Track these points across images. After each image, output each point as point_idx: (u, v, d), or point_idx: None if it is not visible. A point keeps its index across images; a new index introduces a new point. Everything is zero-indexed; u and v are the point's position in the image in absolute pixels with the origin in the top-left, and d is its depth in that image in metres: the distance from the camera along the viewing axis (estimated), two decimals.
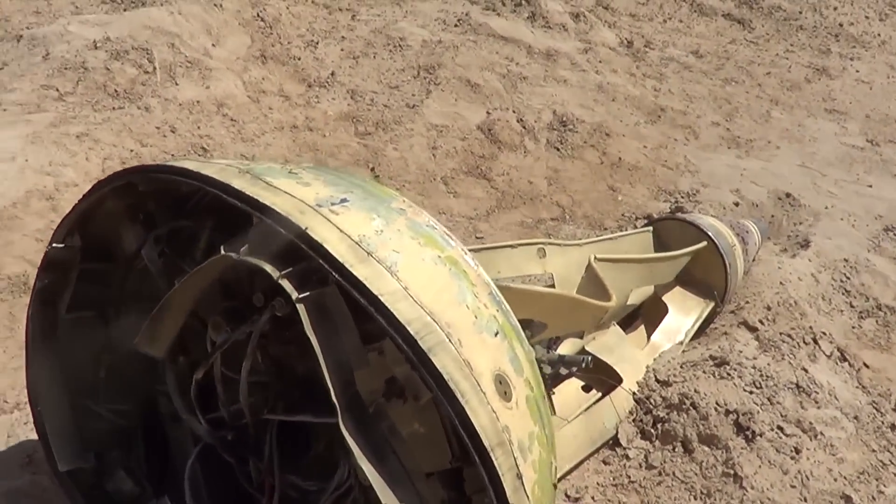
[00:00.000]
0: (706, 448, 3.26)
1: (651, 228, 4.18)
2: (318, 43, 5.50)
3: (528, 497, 1.96)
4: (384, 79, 5.27)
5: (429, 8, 6.14)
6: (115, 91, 4.74)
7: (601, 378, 3.54)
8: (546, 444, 2.10)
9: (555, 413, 3.26)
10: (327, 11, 5.90)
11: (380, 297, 1.90)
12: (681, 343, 3.84)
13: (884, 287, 4.51)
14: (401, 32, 5.67)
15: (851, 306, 4.38)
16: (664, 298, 3.96)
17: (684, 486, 3.16)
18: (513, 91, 5.33)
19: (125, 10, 5.29)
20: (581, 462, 3.31)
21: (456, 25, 5.93)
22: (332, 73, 5.23)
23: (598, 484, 3.25)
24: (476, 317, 2.05)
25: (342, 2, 6.15)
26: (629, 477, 3.25)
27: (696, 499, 3.13)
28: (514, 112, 5.16)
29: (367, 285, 1.92)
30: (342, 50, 5.46)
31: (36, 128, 4.08)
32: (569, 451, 3.23)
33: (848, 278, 4.54)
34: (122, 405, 2.70)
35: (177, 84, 4.85)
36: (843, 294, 4.44)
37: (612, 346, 3.62)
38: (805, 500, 3.06)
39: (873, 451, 3.40)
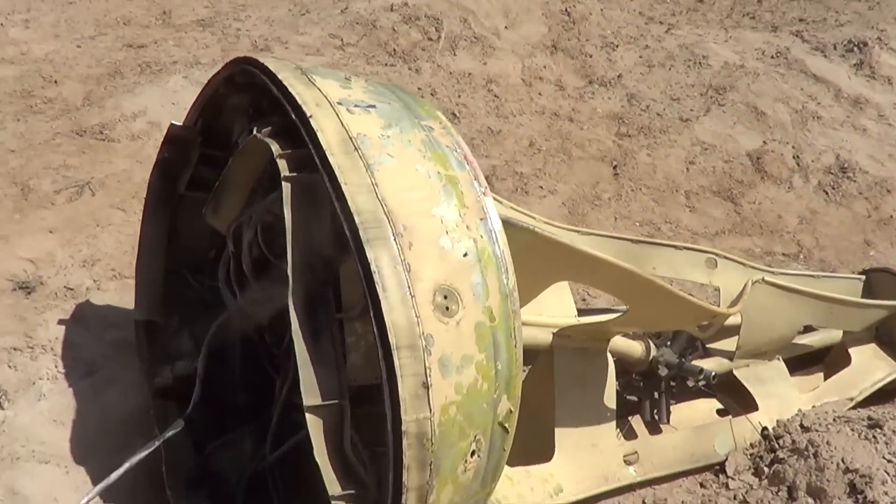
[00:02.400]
0: (810, 500, 2.96)
1: (863, 277, 3.82)
2: (617, 46, 5.51)
3: (430, 408, 1.93)
4: (669, 90, 5.19)
5: (754, 38, 5.95)
6: (394, 50, 5.05)
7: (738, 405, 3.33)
8: (492, 379, 2.06)
9: (667, 422, 3.12)
10: (643, 20, 5.89)
11: (343, 185, 1.97)
12: (851, 399, 3.49)
13: None
14: (706, 51, 5.54)
15: None
16: (851, 350, 3.64)
17: None
18: (800, 127, 5.05)
19: None
20: (675, 475, 3.16)
21: (772, 57, 5.69)
22: (619, 76, 5.22)
23: (682, 502, 3.06)
24: (446, 232, 2.06)
25: (664, 16, 6.09)
26: None
27: None
28: (792, 147, 4.90)
29: (337, 173, 1.99)
30: (640, 57, 5.44)
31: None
32: (660, 458, 3.12)
33: None
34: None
35: (455, 55, 5.08)
36: None
37: (764, 377, 3.42)
38: None
39: None
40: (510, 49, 5.22)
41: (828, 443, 3.09)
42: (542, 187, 4.31)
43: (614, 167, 4.52)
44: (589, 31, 5.59)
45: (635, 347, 3.13)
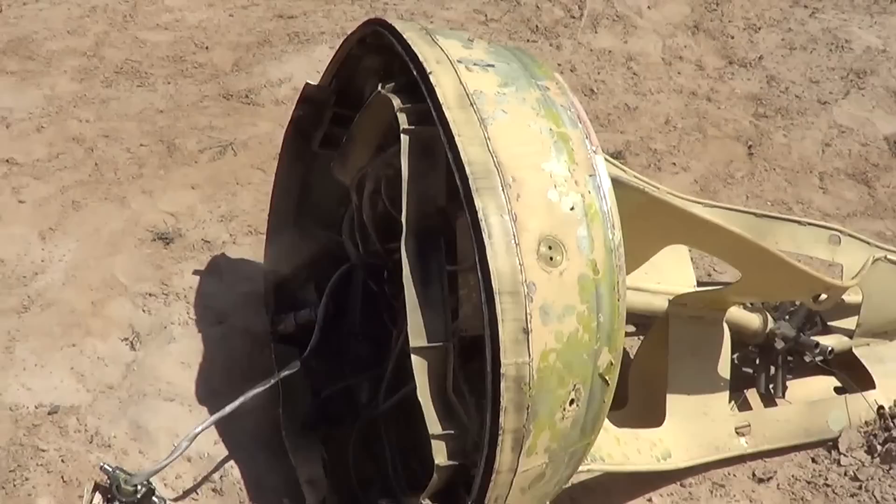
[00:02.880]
0: None
1: None
2: (759, 28, 5.44)
3: (529, 353, 2.00)
4: (809, 72, 5.10)
5: None
6: (536, 27, 5.11)
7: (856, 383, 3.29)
8: (593, 330, 2.11)
9: (783, 396, 3.11)
10: (787, 4, 5.77)
11: (456, 136, 2.06)
12: None
13: None
14: (849, 35, 5.41)
15: None
16: None
17: None
18: None
19: None
20: (787, 449, 3.15)
21: None
22: (760, 57, 5.16)
23: (792, 476, 3.08)
24: (554, 186, 2.12)
25: (811, 1, 5.96)
26: (826, 480, 3.04)
27: None
28: None
29: (451, 125, 2.08)
30: (782, 40, 5.35)
31: None
32: (772, 431, 3.12)
33: None
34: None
35: (596, 32, 5.11)
36: None
37: (884, 357, 3.39)
38: None
39: None
40: (652, 28, 5.22)
41: None
42: (675, 164, 4.31)
43: (749, 147, 4.48)
44: (732, 13, 5.52)
45: (752, 319, 3.13)
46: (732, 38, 5.39)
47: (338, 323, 2.88)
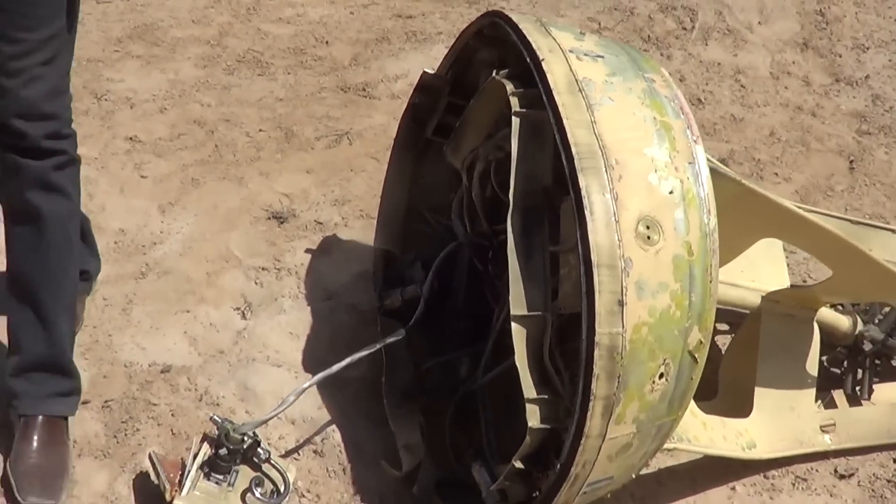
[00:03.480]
0: None
1: None
2: (868, 48, 5.46)
3: (622, 324, 2.13)
4: None
5: None
6: (648, 37, 5.21)
7: None
8: (685, 308, 2.23)
9: (868, 398, 3.18)
10: (894, 22, 5.79)
11: (564, 119, 2.21)
12: None
13: None
14: None
15: None
16: None
17: None
18: None
19: None
20: (870, 448, 3.23)
21: None
22: (867, 77, 5.19)
23: (873, 474, 3.15)
24: (655, 170, 2.26)
25: None
26: None
27: None
28: None
29: (560, 109, 2.24)
30: (889, 60, 5.37)
31: None
32: (856, 430, 3.21)
33: None
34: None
35: (706, 45, 5.19)
36: None
37: None
38: None
39: None
40: (761, 43, 5.28)
41: None
42: (777, 174, 4.38)
43: (850, 161, 4.53)
44: (841, 33, 5.55)
45: (842, 320, 3.21)
46: (840, 56, 5.42)
47: (442, 300, 3.02)
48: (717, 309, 2.33)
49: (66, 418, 2.61)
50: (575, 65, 2.37)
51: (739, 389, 3.09)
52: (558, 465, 2.25)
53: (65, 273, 2.49)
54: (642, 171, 2.25)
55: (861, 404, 3.32)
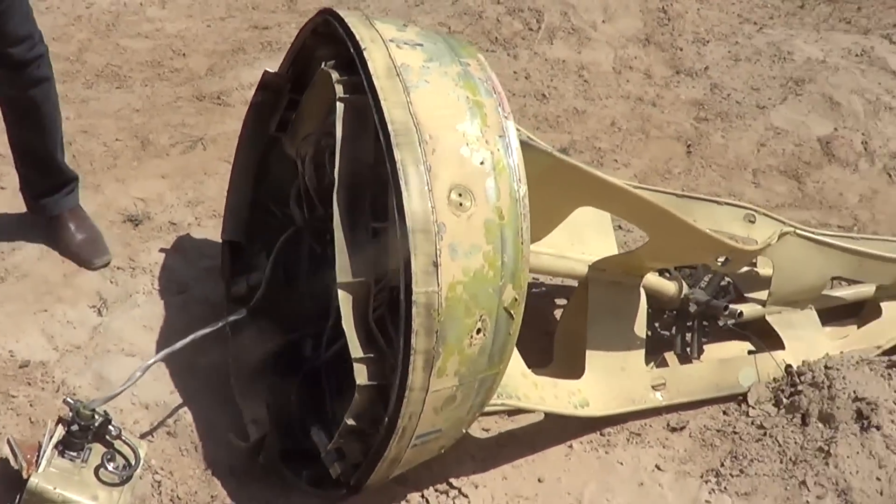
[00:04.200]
0: (820, 425, 3.24)
1: None
2: (708, 42, 5.80)
3: (438, 283, 2.31)
4: (751, 81, 5.46)
5: (843, 38, 6.15)
6: (496, 38, 5.46)
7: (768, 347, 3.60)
8: (498, 268, 2.42)
9: (698, 357, 3.42)
10: (738, 21, 6.15)
11: (382, 101, 2.39)
12: (878, 347, 3.72)
13: None
14: (791, 48, 5.78)
15: None
16: (883, 304, 3.87)
17: (777, 448, 3.20)
18: (872, 117, 5.25)
19: None
20: (700, 402, 3.46)
21: (856, 56, 5.90)
22: (706, 68, 5.51)
23: (704, 425, 3.36)
24: (467, 143, 2.44)
25: (762, 18, 6.35)
26: (734, 428, 3.32)
27: (780, 462, 3.15)
28: (862, 134, 5.11)
29: (379, 92, 2.42)
30: (728, 52, 5.71)
31: None
32: (686, 386, 3.41)
33: None
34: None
35: (552, 44, 5.46)
36: None
37: (794, 323, 3.67)
38: (881, 494, 2.96)
39: None
40: (605, 41, 5.57)
41: (843, 377, 3.35)
42: (616, 160, 4.63)
43: (688, 146, 4.81)
44: (683, 28, 5.88)
45: (668, 285, 3.44)
46: (681, 50, 5.75)
47: (288, 284, 3.18)
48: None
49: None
50: (394, 52, 2.56)
51: (573, 354, 3.29)
52: (386, 419, 2.42)
53: (56, 125, 3.53)
54: (454, 145, 2.43)
55: (692, 363, 3.55)
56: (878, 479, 3.04)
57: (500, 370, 2.58)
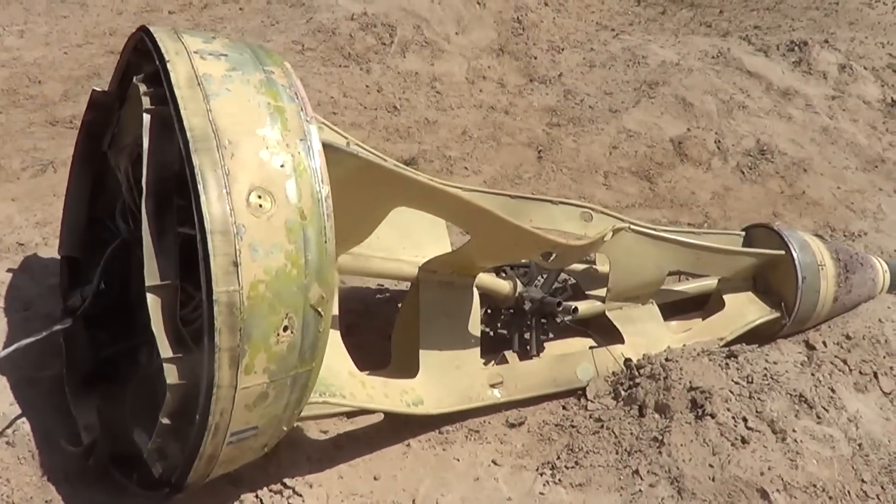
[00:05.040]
0: (656, 415, 3.36)
1: (743, 233, 4.20)
2: (563, 49, 5.97)
3: (239, 283, 2.37)
4: (604, 86, 5.63)
5: (701, 42, 6.37)
6: (349, 54, 5.55)
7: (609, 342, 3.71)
8: (301, 266, 2.49)
9: (537, 354, 3.52)
10: (594, 28, 6.33)
11: (182, 110, 2.45)
12: (721, 339, 3.85)
13: None
14: (646, 52, 5.97)
15: None
16: (726, 297, 4.00)
17: (614, 439, 3.31)
18: (725, 116, 5.45)
19: None
20: (538, 398, 3.57)
21: (713, 57, 6.11)
22: (560, 75, 5.67)
23: (542, 420, 3.48)
24: (266, 147, 2.51)
25: (622, 25, 6.55)
26: (573, 422, 3.43)
27: (616, 452, 3.27)
28: (715, 133, 5.29)
29: (179, 101, 2.48)
30: (583, 59, 5.88)
31: None
32: (524, 383, 3.52)
33: None
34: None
35: (405, 57, 5.57)
36: None
37: (635, 318, 3.79)
38: (712, 480, 3.08)
39: (861, 480, 3.27)
40: (458, 52, 5.70)
41: (681, 368, 3.49)
42: (467, 168, 4.74)
43: (539, 152, 4.94)
44: (538, 37, 6.04)
45: (502, 284, 3.54)
46: (535, 58, 5.91)
47: (119, 294, 3.22)
48: None
49: None
50: (198, 63, 2.63)
51: (409, 355, 3.37)
52: (197, 416, 2.48)
53: None
54: (254, 149, 2.51)
55: (531, 360, 3.65)
56: (711, 465, 3.17)
57: (313, 367, 2.65)
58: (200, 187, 2.37)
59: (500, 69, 5.65)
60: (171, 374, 2.51)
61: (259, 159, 2.50)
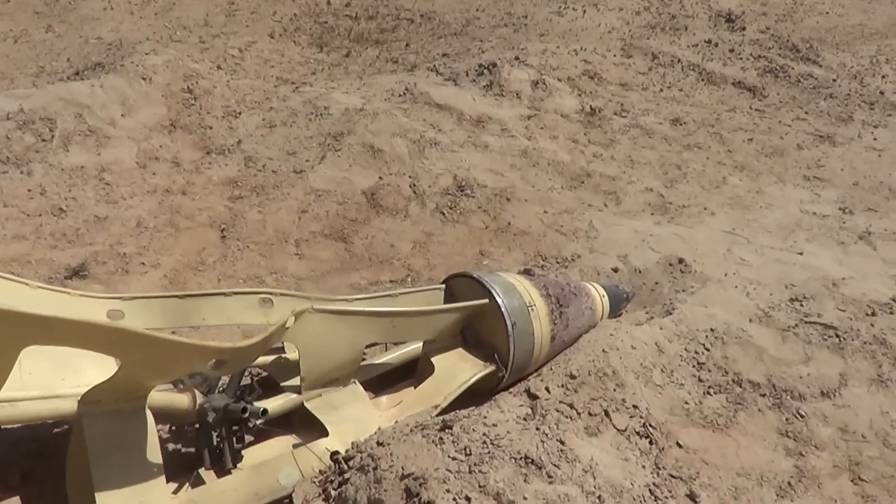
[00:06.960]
0: None
1: (443, 286, 4.00)
2: (240, 114, 5.66)
3: None
4: (287, 146, 5.36)
5: (387, 80, 6.21)
6: (7, 158, 5.03)
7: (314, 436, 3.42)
8: None
9: (233, 466, 3.18)
10: (274, 84, 6.08)
11: None
12: (436, 406, 3.62)
13: (755, 361, 4.11)
14: (327, 102, 5.75)
15: (699, 380, 4.01)
16: (434, 359, 3.77)
17: None
18: (418, 156, 5.28)
19: (51, 83, 5.63)
20: None
21: (399, 95, 5.96)
22: (239, 142, 5.36)
23: None
24: None
25: (304, 76, 6.32)
26: None
27: None
28: (409, 177, 5.11)
29: None
30: (262, 120, 5.60)
31: None
32: (222, 502, 3.13)
33: (707, 350, 4.16)
34: None
35: (68, 151, 5.11)
36: (693, 366, 4.06)
37: (337, 403, 3.50)
38: None
39: None
40: (126, 135, 5.30)
41: (391, 454, 3.19)
42: (144, 263, 4.36)
43: (222, 231, 4.61)
44: (211, 104, 5.71)
45: (179, 399, 3.19)
46: (211, 128, 5.57)
47: None
48: None
49: None
50: None
51: (89, 500, 2.98)
52: None
53: None
54: None
55: (228, 475, 3.30)
56: None
57: None
58: None
59: (173, 146, 5.28)
60: None
61: None
